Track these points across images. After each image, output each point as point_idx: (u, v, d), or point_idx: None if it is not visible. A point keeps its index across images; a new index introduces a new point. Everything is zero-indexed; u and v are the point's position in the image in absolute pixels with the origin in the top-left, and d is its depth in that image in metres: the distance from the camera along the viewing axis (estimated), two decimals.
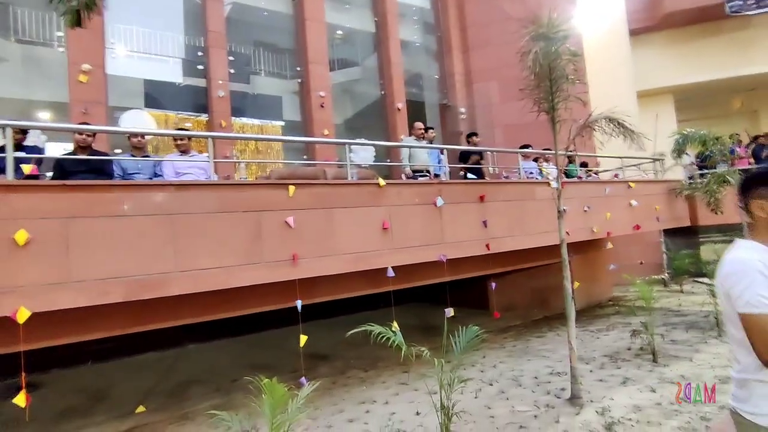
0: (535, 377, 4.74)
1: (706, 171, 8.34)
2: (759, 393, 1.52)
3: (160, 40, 7.09)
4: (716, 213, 7.54)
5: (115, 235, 3.01)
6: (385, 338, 3.21)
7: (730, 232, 7.79)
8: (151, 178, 4.14)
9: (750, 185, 1.60)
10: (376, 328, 3.16)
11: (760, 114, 12.59)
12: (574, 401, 3.94)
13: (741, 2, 9.50)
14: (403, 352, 3.14)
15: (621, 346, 5.56)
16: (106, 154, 4.47)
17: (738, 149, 9.25)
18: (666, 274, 9.61)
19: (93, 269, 2.89)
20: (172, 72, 7.21)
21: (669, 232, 9.32)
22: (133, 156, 4.24)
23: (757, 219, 1.58)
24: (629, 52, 10.71)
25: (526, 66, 3.91)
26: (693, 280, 9.16)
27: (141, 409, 4.48)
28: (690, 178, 8.65)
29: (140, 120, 6.58)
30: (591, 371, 4.74)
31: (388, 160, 8.27)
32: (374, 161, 6.06)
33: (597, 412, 3.75)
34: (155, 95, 7.07)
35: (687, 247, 9.41)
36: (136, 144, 4.26)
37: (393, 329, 3.30)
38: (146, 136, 4.54)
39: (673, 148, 8.04)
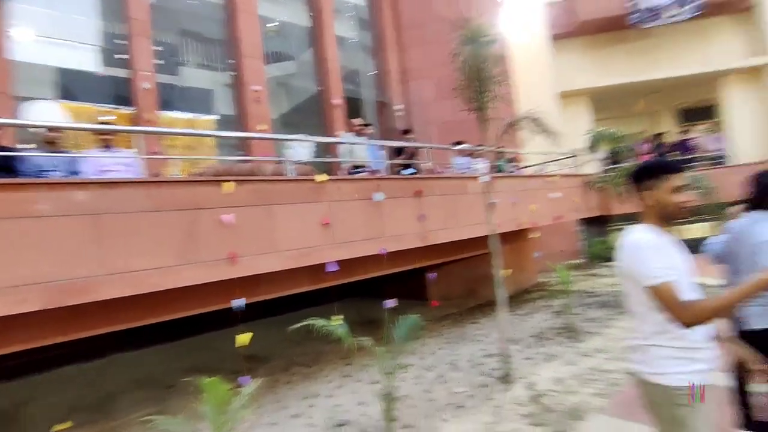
0: (471, 360, 5.05)
1: (616, 165, 9.27)
2: (655, 355, 1.80)
3: (74, 26, 6.49)
4: (624, 203, 8.42)
5: (30, 237, 2.77)
6: (327, 332, 3.28)
7: (636, 220, 8.71)
8: (67, 176, 3.84)
9: (638, 177, 1.88)
10: (319, 322, 3.22)
11: (660, 114, 14.12)
12: (506, 379, 4.27)
13: (640, 15, 10.61)
14: (345, 345, 3.23)
15: (545, 327, 6.06)
16: (15, 151, 4.06)
17: (643, 146, 10.37)
18: (582, 260, 10.55)
19: (4, 275, 2.65)
20: (89, 60, 6.63)
21: (585, 222, 10.25)
22: (49, 152, 3.90)
23: (646, 206, 1.86)
24: (552, 55, 11.57)
25: (457, 67, 4.15)
26: (604, 264, 10.16)
27: (64, 425, 4.14)
28: (605, 171, 9.56)
29: (50, 112, 6.01)
30: (520, 351, 5.14)
31: (327, 156, 8.26)
32: (313, 157, 6.06)
33: (525, 387, 4.10)
34: (71, 85, 6.47)
35: (600, 235, 10.40)
36: (50, 139, 3.92)
37: (335, 323, 3.37)
38: (61, 130, 4.19)
39: (588, 145, 8.83)
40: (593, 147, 8.62)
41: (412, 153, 6.73)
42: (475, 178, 5.06)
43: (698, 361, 1.73)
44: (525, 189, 6.97)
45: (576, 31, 11.69)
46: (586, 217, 9.07)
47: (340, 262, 4.37)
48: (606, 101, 12.49)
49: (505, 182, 6.68)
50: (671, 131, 12.91)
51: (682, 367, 1.71)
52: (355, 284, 5.63)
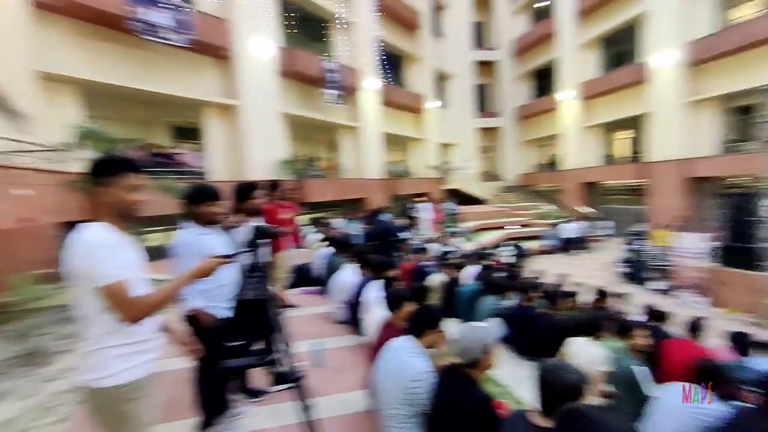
0: None
1: None
2: (106, 356, 1.76)
3: None
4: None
5: None
6: None
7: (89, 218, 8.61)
8: None
9: (94, 172, 1.83)
10: None
11: (157, 126, 14.82)
12: None
13: (138, 24, 10.83)
14: None
15: (4, 357, 4.79)
16: None
17: (135, 153, 10.50)
18: (49, 270, 9.27)
19: None
20: None
21: (66, 225, 9.07)
22: None
23: (101, 203, 1.83)
24: (29, 23, 9.46)
25: None
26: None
27: None
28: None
29: None
30: None
31: None
32: None
33: None
34: None
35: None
36: None
37: None
38: None
39: (75, 141, 7.89)
40: (80, 143, 7.79)
41: None
42: None
43: (147, 352, 1.88)
44: None
45: (65, 10, 10.23)
46: (68, 220, 8.03)
47: None
48: (102, 99, 11.71)
49: None
50: (165, 144, 13.95)
51: (129, 363, 1.79)
52: None
